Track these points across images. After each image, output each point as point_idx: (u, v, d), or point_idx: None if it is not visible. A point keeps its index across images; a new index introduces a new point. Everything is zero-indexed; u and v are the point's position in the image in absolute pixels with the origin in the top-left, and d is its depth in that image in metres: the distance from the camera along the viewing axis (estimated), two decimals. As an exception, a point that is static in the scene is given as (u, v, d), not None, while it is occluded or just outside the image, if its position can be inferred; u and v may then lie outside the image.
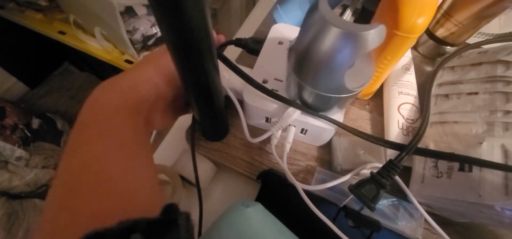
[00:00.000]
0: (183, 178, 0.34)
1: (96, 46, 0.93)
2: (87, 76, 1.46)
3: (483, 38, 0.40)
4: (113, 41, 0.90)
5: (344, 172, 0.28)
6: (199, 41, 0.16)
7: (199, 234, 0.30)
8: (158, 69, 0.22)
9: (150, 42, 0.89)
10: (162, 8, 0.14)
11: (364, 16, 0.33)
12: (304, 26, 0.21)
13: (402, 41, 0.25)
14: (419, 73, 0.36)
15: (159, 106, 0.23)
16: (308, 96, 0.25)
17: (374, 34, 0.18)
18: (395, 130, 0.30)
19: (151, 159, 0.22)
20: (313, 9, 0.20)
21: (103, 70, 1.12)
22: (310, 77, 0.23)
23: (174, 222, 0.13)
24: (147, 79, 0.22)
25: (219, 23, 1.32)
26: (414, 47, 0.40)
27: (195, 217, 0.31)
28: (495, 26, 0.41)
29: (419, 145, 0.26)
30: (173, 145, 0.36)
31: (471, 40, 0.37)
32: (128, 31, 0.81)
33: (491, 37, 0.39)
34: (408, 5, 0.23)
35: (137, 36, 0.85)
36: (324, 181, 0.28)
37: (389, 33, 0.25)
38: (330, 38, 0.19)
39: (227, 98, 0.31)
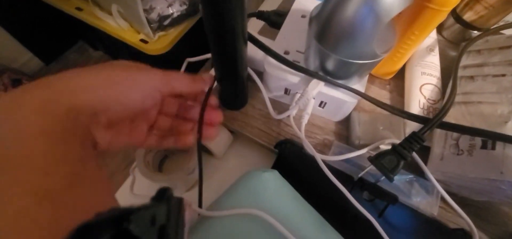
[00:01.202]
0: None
1: (112, 24, 0.93)
2: (101, 56, 1.48)
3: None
4: (129, 19, 0.91)
5: (361, 147, 0.28)
6: (234, 14, 0.18)
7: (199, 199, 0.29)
8: (109, 83, 0.18)
9: (166, 22, 0.89)
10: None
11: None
12: None
13: (433, 15, 0.25)
14: (442, 57, 0.36)
15: (103, 122, 0.19)
16: (329, 65, 0.25)
17: None
18: (416, 109, 0.30)
19: (102, 177, 0.17)
20: None
21: (118, 50, 1.13)
22: (333, 44, 0.23)
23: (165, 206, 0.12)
24: (91, 87, 0.18)
25: None
26: (439, 31, 0.40)
27: (210, 184, 0.31)
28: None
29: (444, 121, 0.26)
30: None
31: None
32: (145, 10, 0.82)
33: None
34: (442, -24, 0.23)
35: (154, 15, 0.85)
36: (342, 154, 0.28)
37: (420, 5, 0.24)
38: (355, 1, 0.19)
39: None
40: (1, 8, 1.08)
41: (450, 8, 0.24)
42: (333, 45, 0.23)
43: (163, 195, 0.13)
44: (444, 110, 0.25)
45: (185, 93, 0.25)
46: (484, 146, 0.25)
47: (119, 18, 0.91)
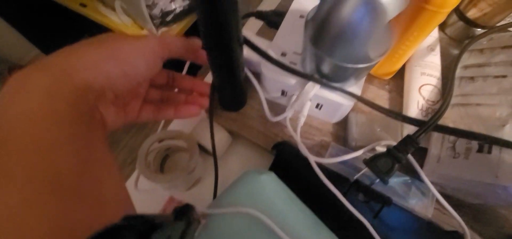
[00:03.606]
0: (200, 147, 0.35)
1: (116, 20, 0.94)
2: (106, 51, 1.50)
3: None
4: (132, 15, 0.92)
5: (358, 148, 0.29)
6: (228, 20, 0.18)
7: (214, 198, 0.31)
8: (112, 56, 0.18)
9: (169, 18, 0.89)
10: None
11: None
12: None
13: (431, 16, 0.24)
14: (444, 55, 0.35)
15: (110, 99, 0.18)
16: (325, 68, 0.25)
17: (395, 1, 0.18)
18: (414, 110, 0.30)
19: (113, 162, 0.17)
20: None
21: (122, 45, 1.14)
22: (328, 48, 0.23)
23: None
24: (94, 63, 0.17)
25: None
26: (441, 29, 0.39)
27: (210, 183, 0.32)
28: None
29: (440, 124, 0.26)
30: (191, 113, 0.37)
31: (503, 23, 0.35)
32: (147, 6, 0.82)
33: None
34: (440, -23, 0.22)
35: (156, 11, 0.86)
36: (338, 156, 0.28)
37: (418, 7, 0.24)
38: (350, 6, 0.19)
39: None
40: (10, 7, 1.10)
41: (449, 10, 0.23)
42: (328, 49, 0.23)
43: (183, 213, 0.13)
44: (438, 113, 0.25)
45: (181, 55, 0.24)
46: (480, 150, 0.24)
47: (122, 14, 0.92)
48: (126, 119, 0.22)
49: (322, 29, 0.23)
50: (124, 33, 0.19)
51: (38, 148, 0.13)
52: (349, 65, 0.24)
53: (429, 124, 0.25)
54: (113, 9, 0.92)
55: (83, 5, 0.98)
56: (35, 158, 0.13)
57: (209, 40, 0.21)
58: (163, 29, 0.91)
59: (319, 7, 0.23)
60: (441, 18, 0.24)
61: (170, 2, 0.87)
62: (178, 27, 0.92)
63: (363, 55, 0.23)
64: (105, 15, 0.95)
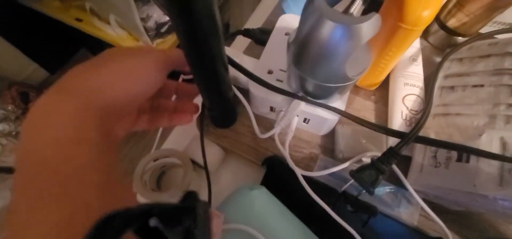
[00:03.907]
0: (194, 162, 0.36)
1: (111, 33, 0.96)
2: (103, 62, 1.51)
3: (498, 27, 0.39)
4: (127, 28, 0.93)
5: (345, 160, 0.30)
6: (210, 44, 0.19)
7: None
8: (127, 76, 0.19)
9: (163, 29, 0.91)
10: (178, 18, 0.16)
11: (373, 5, 0.33)
12: (302, 19, 0.22)
13: (407, 34, 0.25)
14: (428, 63, 0.36)
15: (124, 115, 0.20)
16: (308, 87, 0.26)
17: (368, 26, 0.19)
18: (398, 121, 0.31)
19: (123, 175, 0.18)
20: (309, 3, 0.21)
21: (118, 56, 1.16)
22: (308, 69, 0.24)
23: (192, 209, 0.13)
24: (111, 85, 0.18)
25: (232, 9, 1.31)
26: (424, 37, 0.40)
27: (204, 196, 0.33)
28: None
29: (420, 135, 0.27)
30: (184, 131, 0.38)
31: (486, 29, 0.36)
32: (142, 19, 0.83)
33: (505, 27, 0.38)
34: (413, -2, 0.23)
35: (151, 23, 0.87)
36: (326, 168, 0.29)
37: (394, 25, 0.25)
38: (325, 32, 0.20)
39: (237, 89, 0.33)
40: (5, 23, 1.11)
41: (422, 27, 0.24)
42: (309, 71, 0.24)
43: (189, 198, 0.14)
44: (418, 125, 0.26)
45: (183, 67, 0.25)
46: (459, 159, 0.25)
47: (117, 27, 0.93)
48: (126, 130, 0.23)
49: (302, 52, 0.24)
50: (128, 47, 0.21)
51: (71, 172, 0.14)
52: (330, 85, 0.25)
53: (410, 136, 0.26)
54: (108, 22, 0.93)
55: (79, 20, 1.00)
56: (68, 180, 0.14)
57: (193, 63, 0.21)
58: (158, 40, 0.92)
59: (298, 30, 0.24)
60: (416, 36, 0.25)
61: (164, 14, 0.88)
62: (172, 38, 0.94)
63: (343, 75, 0.24)
64: (101, 29, 0.96)
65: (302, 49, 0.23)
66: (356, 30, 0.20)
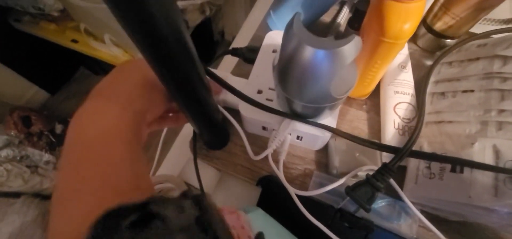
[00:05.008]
0: (189, 185, 0.36)
1: (107, 52, 0.96)
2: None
3: (489, 24, 0.38)
4: (122, 46, 0.94)
5: (340, 175, 0.30)
6: (183, 70, 0.18)
7: None
8: (153, 85, 0.22)
9: (157, 45, 0.91)
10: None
11: (357, 17, 0.33)
12: (283, 43, 0.22)
13: (390, 47, 0.25)
14: (418, 67, 0.36)
15: (149, 120, 0.23)
16: (296, 107, 0.26)
17: (349, 48, 0.19)
18: (391, 131, 0.31)
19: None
20: (289, 27, 0.21)
21: (116, 73, 1.17)
22: (294, 91, 0.24)
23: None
24: (141, 93, 0.21)
25: (225, 17, 1.31)
26: (413, 41, 0.40)
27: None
28: (505, 11, 0.39)
29: (414, 149, 0.27)
30: (178, 154, 0.39)
31: (477, 28, 0.36)
32: (135, 36, 0.84)
33: (495, 25, 0.37)
34: (393, 12, 0.23)
35: (144, 40, 0.87)
36: (321, 185, 0.29)
37: (376, 40, 0.25)
38: (306, 57, 0.20)
39: (227, 109, 0.33)
40: (4, 49, 1.13)
41: (404, 40, 0.24)
42: (294, 93, 0.24)
43: (188, 192, 0.15)
44: (411, 140, 0.26)
45: None
46: (453, 170, 0.25)
47: (112, 46, 0.94)
48: (148, 132, 0.25)
49: (286, 76, 0.24)
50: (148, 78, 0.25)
51: (110, 163, 0.17)
52: (318, 105, 0.25)
53: (403, 151, 0.25)
54: (103, 42, 0.94)
55: (75, 41, 1.01)
56: (108, 170, 0.17)
57: (170, 91, 0.21)
58: (153, 56, 0.92)
59: (280, 54, 0.24)
60: (399, 48, 0.25)
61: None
62: (167, 53, 0.94)
63: (329, 96, 0.23)
64: (96, 48, 0.97)
65: (286, 73, 0.23)
66: (336, 54, 0.20)
